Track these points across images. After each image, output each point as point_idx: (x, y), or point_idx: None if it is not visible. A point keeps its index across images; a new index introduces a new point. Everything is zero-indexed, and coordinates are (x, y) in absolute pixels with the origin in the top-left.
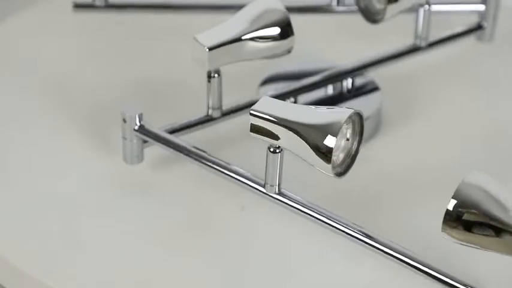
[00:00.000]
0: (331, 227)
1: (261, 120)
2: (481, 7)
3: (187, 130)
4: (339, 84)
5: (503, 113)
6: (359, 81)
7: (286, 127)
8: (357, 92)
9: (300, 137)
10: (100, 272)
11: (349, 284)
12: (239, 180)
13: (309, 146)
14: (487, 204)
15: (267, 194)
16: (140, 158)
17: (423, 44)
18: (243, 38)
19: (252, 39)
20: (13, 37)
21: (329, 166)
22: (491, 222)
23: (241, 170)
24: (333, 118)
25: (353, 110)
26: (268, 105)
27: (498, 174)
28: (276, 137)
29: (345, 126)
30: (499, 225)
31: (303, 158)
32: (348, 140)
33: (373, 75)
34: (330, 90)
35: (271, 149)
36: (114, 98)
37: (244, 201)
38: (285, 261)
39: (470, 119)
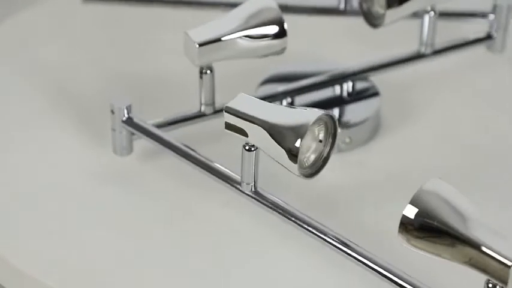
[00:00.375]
0: (304, 229)
1: (234, 117)
2: (491, 17)
3: (178, 125)
4: (339, 87)
5: (503, 122)
6: (360, 84)
7: (257, 125)
8: (357, 95)
9: (270, 136)
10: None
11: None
12: (217, 176)
13: (278, 145)
14: (444, 212)
15: (243, 192)
16: (129, 149)
17: (428, 51)
18: (234, 35)
19: (243, 37)
20: (13, 37)
21: (295, 166)
22: (447, 231)
23: (221, 167)
24: (302, 119)
25: (323, 112)
26: (243, 103)
27: (494, 181)
28: (247, 135)
29: (317, 127)
30: (454, 234)
31: (272, 156)
32: (320, 141)
33: (375, 79)
34: (330, 92)
35: (246, 147)
36: (112, 92)
37: (229, 198)
38: (258, 260)
39: (468, 127)
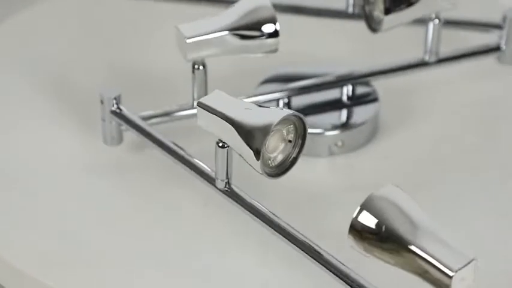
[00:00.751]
0: (272, 230)
1: (205, 112)
2: (499, 28)
3: (169, 118)
4: (339, 89)
5: (505, 131)
6: (360, 89)
7: (226, 122)
8: (356, 99)
9: (238, 133)
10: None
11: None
12: (194, 171)
13: (244, 142)
14: (393, 218)
15: (217, 188)
16: (119, 140)
17: (432, 59)
18: (224, 32)
19: (233, 34)
20: (13, 37)
21: (258, 164)
22: (393, 237)
23: (198, 163)
24: (268, 118)
25: (290, 113)
26: (217, 99)
27: (491, 188)
28: (218, 132)
29: (286, 128)
30: (400, 241)
31: (239, 153)
32: (290, 142)
33: (376, 83)
34: (328, 94)
35: (220, 144)
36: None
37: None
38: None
39: (467, 134)
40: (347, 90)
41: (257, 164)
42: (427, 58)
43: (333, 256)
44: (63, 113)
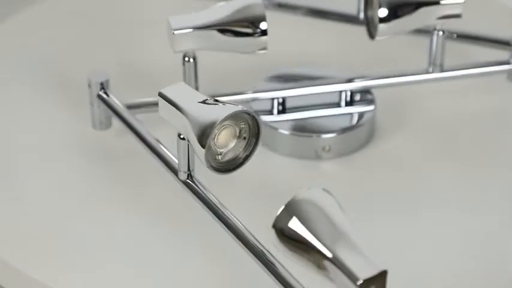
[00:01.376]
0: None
1: (165, 103)
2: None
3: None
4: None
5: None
6: (357, 95)
7: (181, 113)
8: (352, 105)
9: (190, 126)
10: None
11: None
12: (162, 161)
13: (193, 135)
14: (312, 221)
15: (179, 179)
16: (107, 124)
17: (436, 71)
18: (211, 27)
19: (219, 30)
20: (13, 37)
21: (202, 158)
22: (308, 240)
23: (166, 153)
24: (218, 113)
25: (240, 109)
26: (177, 91)
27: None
28: (174, 122)
29: (240, 125)
30: (314, 244)
31: (191, 144)
32: (244, 139)
33: (375, 90)
34: (326, 97)
35: (181, 136)
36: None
37: None
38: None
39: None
40: (345, 95)
41: (202, 158)
42: (430, 70)
43: (271, 254)
44: (64, 113)
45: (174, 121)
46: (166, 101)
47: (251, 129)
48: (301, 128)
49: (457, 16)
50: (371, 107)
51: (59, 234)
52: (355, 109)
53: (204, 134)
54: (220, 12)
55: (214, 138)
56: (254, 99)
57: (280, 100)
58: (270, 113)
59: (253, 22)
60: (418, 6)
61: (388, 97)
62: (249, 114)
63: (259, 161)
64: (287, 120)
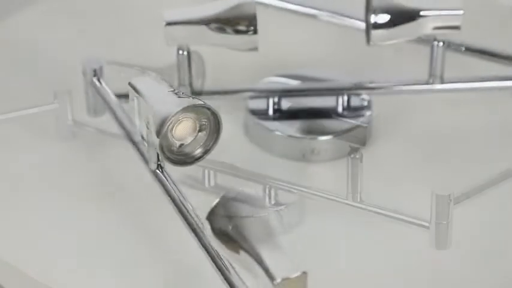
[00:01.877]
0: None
1: (134, 93)
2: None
3: None
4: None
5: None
6: (354, 100)
7: (144, 103)
8: (347, 110)
9: (151, 116)
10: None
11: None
12: (137, 150)
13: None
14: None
15: (150, 170)
16: (102, 111)
17: (436, 82)
18: (202, 23)
19: (211, 26)
20: (13, 37)
21: (156, 146)
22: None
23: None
24: (176, 105)
25: (199, 103)
26: (146, 82)
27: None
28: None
29: (202, 120)
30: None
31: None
32: (205, 134)
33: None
34: (322, 101)
35: (148, 125)
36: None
37: None
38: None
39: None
40: (342, 99)
41: (156, 145)
42: (430, 82)
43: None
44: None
45: (140, 110)
46: (134, 91)
47: (211, 124)
48: (294, 130)
49: (456, 28)
50: (367, 113)
51: (59, 234)
52: (351, 114)
53: (160, 124)
54: (213, 8)
55: (171, 129)
56: (250, 98)
57: (276, 100)
58: (266, 112)
59: (243, 20)
60: (414, 15)
61: (385, 104)
62: (209, 109)
63: (249, 158)
64: (281, 121)
